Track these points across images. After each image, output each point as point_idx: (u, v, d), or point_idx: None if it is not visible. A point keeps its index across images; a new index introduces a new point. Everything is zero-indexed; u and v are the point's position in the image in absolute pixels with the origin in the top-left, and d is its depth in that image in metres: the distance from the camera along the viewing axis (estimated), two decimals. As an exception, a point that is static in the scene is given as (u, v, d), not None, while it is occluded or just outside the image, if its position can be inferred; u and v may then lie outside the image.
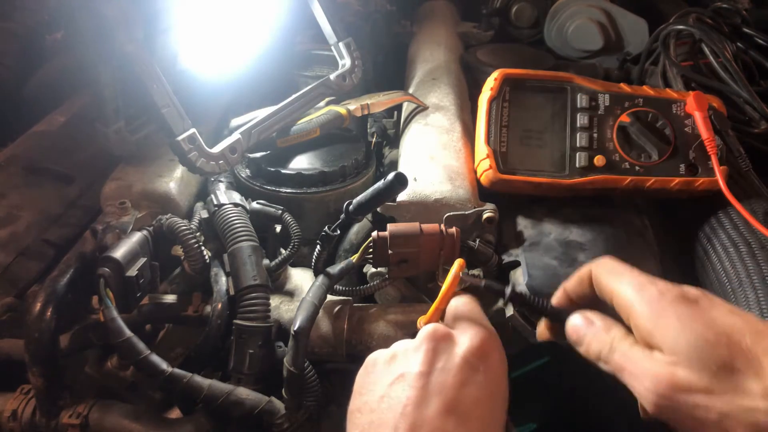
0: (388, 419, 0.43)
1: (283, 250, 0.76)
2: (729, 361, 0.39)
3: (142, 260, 0.68)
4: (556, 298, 0.52)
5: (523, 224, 0.75)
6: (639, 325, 0.43)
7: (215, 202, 0.76)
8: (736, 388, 0.38)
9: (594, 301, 0.49)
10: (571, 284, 0.51)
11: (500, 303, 0.70)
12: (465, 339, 0.48)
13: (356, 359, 0.71)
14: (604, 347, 0.45)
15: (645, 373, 0.41)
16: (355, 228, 0.82)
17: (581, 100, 0.77)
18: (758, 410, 0.37)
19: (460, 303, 0.54)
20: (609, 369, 0.44)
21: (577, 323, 0.48)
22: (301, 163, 0.86)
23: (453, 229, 0.67)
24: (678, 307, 0.41)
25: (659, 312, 0.42)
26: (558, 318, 0.50)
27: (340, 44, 0.97)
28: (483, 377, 0.46)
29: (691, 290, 0.43)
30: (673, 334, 0.40)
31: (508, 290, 0.52)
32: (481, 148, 0.76)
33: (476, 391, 0.45)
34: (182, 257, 0.73)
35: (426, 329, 0.49)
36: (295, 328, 0.61)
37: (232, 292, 0.70)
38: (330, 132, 0.91)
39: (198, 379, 0.62)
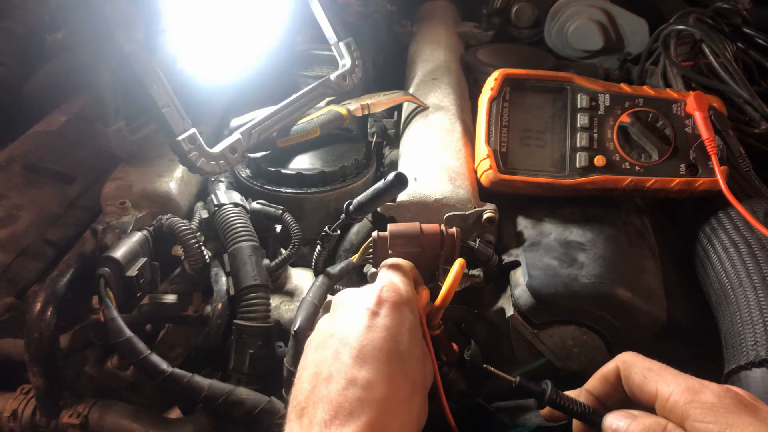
0: (321, 377, 0.48)
1: (283, 250, 0.76)
2: None
3: (142, 260, 0.68)
4: (580, 400, 0.51)
5: (523, 224, 0.75)
6: (700, 429, 0.42)
7: (215, 202, 0.76)
8: None
9: (622, 400, 0.49)
10: (594, 384, 0.51)
11: (501, 303, 0.70)
12: (368, 292, 0.53)
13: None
14: (656, 429, 0.44)
15: None
16: (356, 228, 0.82)
17: (581, 100, 0.77)
18: None
19: (390, 260, 0.58)
20: None
21: (614, 419, 0.47)
22: (302, 163, 0.86)
23: (453, 229, 0.67)
24: (742, 415, 0.42)
25: (727, 418, 0.42)
26: (593, 420, 0.49)
27: (341, 44, 0.97)
28: (383, 321, 0.50)
29: (742, 393, 0.44)
30: None
31: (548, 392, 0.51)
32: (482, 148, 0.76)
33: (379, 334, 0.49)
34: (182, 257, 0.73)
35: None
36: (295, 328, 0.61)
37: (232, 292, 0.70)
38: (330, 132, 0.91)
39: (198, 379, 0.62)
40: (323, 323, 0.54)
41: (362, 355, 0.47)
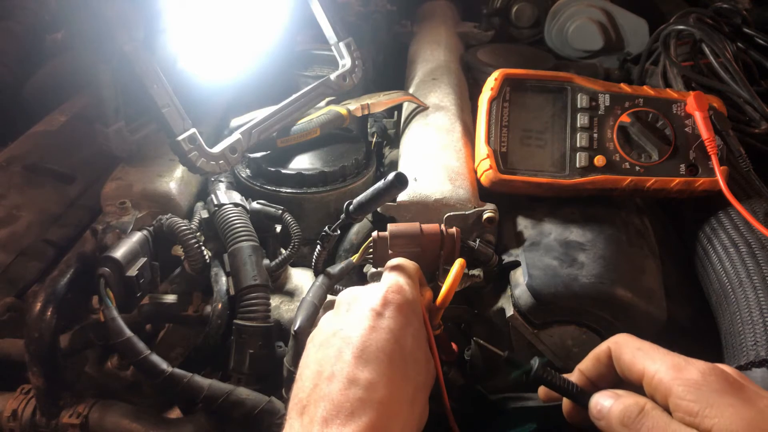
0: (320, 378, 0.48)
1: (283, 250, 0.76)
2: None
3: (142, 260, 0.68)
4: (585, 370, 0.52)
5: (523, 224, 0.75)
6: (682, 406, 0.42)
7: (215, 202, 0.76)
8: None
9: (614, 381, 0.49)
10: (587, 365, 0.52)
11: (501, 303, 0.70)
12: (373, 293, 0.53)
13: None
14: (633, 411, 0.45)
15: None
16: (355, 228, 0.82)
17: (581, 100, 0.77)
18: None
19: (394, 260, 0.58)
20: None
21: (600, 399, 0.48)
22: (302, 163, 0.86)
23: (453, 229, 0.67)
24: (726, 394, 0.42)
25: (708, 397, 0.42)
26: (581, 399, 0.49)
27: (341, 44, 0.97)
28: (388, 323, 0.50)
29: (729, 371, 0.44)
30: (728, 421, 0.41)
31: (535, 367, 0.51)
32: (482, 148, 0.76)
33: (383, 335, 0.49)
34: (182, 257, 0.73)
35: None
36: (295, 328, 0.61)
37: (232, 292, 0.70)
38: (330, 132, 0.91)
39: (198, 379, 0.62)
40: (326, 321, 0.54)
41: (365, 355, 0.47)
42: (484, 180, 0.76)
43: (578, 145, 0.75)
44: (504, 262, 0.72)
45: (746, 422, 0.40)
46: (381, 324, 0.50)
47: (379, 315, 0.50)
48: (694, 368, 0.44)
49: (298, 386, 0.49)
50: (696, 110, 0.75)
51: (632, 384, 0.47)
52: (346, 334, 0.49)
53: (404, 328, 0.51)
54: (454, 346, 0.63)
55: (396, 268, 0.57)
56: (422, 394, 0.51)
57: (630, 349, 0.48)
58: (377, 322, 0.50)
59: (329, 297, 0.67)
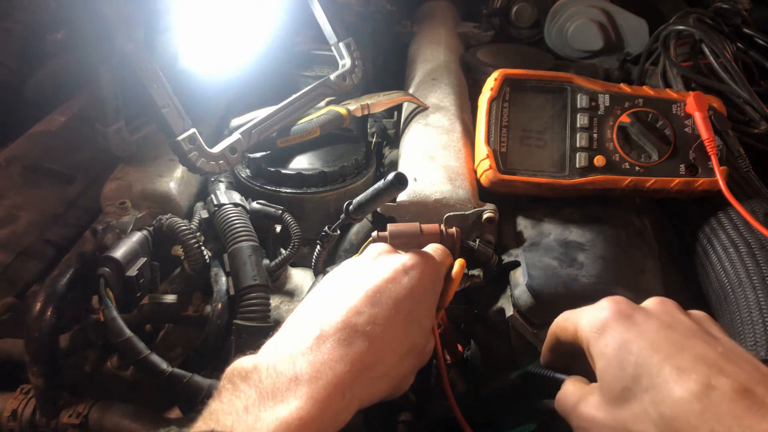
0: (331, 297, 0.51)
1: (283, 250, 0.76)
2: (631, 385, 0.41)
3: (142, 260, 0.68)
4: (543, 357, 0.55)
5: (523, 224, 0.75)
6: (594, 353, 0.45)
7: (215, 202, 0.76)
8: (630, 413, 0.41)
9: (571, 359, 0.52)
10: (547, 348, 0.54)
11: (501, 303, 0.70)
12: (405, 255, 0.54)
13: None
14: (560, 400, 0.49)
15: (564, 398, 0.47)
16: (355, 228, 0.82)
17: (581, 101, 0.77)
18: None
19: (433, 245, 0.61)
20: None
21: (564, 387, 0.51)
22: (302, 163, 0.86)
23: (453, 229, 0.67)
24: (608, 331, 0.44)
25: (596, 337, 0.45)
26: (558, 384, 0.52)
27: (341, 44, 0.97)
28: (408, 281, 0.51)
29: (620, 301, 0.46)
30: (599, 362, 0.44)
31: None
32: (481, 149, 0.76)
33: (400, 288, 0.50)
34: (182, 257, 0.73)
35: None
36: (295, 328, 0.61)
37: (232, 292, 0.70)
38: (330, 132, 0.91)
39: (198, 379, 0.62)
40: (349, 262, 0.55)
41: (376, 297, 0.49)
42: (484, 180, 0.76)
43: (578, 145, 0.75)
44: (504, 262, 0.72)
45: (609, 360, 0.43)
46: (402, 280, 0.51)
47: (404, 272, 0.52)
48: (595, 311, 0.46)
49: (301, 305, 0.51)
50: (696, 110, 0.75)
51: (580, 351, 0.49)
52: (366, 276, 0.51)
53: (420, 293, 0.52)
54: (459, 348, 0.64)
55: (431, 249, 0.59)
56: (413, 360, 0.52)
57: (560, 324, 0.51)
58: (399, 276, 0.51)
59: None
